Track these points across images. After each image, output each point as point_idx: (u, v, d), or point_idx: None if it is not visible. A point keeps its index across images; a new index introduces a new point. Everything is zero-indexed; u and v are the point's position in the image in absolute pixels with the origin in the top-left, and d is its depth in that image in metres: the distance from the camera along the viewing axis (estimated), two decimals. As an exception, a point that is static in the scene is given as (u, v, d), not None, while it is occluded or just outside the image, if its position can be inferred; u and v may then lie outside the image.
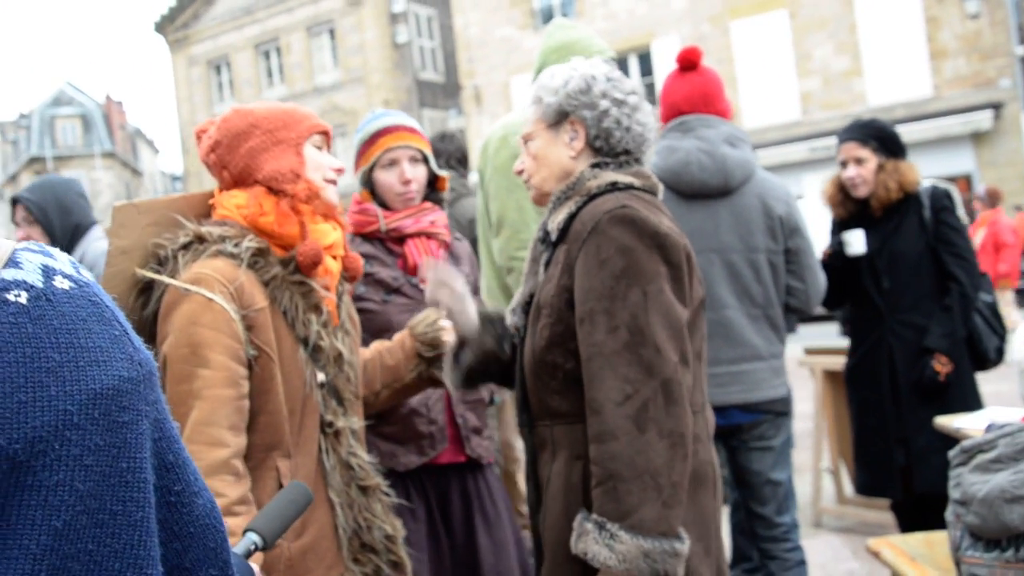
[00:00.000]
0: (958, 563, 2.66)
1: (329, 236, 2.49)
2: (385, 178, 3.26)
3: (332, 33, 32.15)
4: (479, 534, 3.21)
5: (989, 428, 2.78)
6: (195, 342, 2.20)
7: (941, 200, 4.50)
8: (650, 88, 22.45)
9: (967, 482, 2.69)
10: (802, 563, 3.90)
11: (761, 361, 3.78)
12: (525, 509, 3.40)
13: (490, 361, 2.77)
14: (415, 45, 31.60)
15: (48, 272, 0.89)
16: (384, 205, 3.29)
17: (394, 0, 30.83)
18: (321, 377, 2.44)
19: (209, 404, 2.17)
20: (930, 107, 21.85)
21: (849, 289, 4.69)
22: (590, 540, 2.22)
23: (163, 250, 2.35)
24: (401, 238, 3.26)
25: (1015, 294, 16.30)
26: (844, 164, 4.59)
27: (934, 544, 3.34)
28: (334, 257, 2.52)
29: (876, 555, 3.35)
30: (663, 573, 2.17)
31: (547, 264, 2.54)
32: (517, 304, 2.64)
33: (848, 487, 6.09)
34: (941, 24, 21.81)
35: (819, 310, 4.46)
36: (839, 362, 5.33)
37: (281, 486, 2.30)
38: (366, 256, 3.17)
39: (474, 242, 4.30)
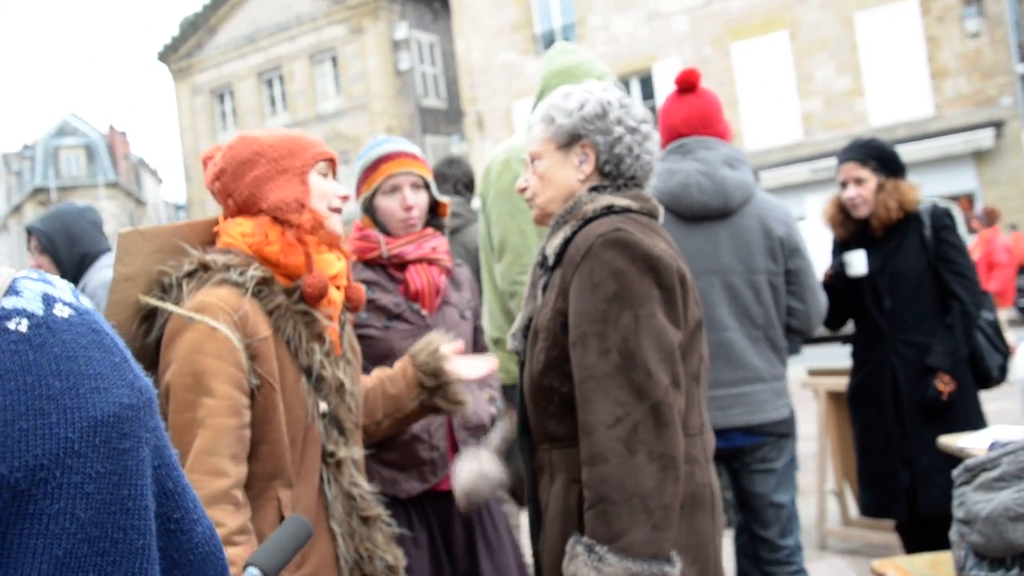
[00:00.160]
0: (963, 583, 2.65)
1: (334, 266, 2.49)
2: (387, 204, 3.27)
3: (334, 61, 32.25)
4: (482, 560, 3.20)
5: (992, 447, 2.78)
6: (198, 371, 2.19)
7: (942, 219, 4.50)
8: (652, 111, 22.46)
9: (971, 501, 2.68)
10: (806, 585, 3.88)
11: (762, 383, 3.77)
12: None
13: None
14: (417, 72, 31.69)
15: (48, 300, 0.89)
16: (385, 231, 3.30)
17: (396, 27, 30.95)
18: (323, 407, 2.42)
19: (211, 433, 2.16)
20: (931, 126, 21.87)
21: (851, 309, 4.69)
22: (579, 562, 2.22)
23: (167, 277, 2.33)
24: (403, 264, 3.26)
25: (1019, 312, 16.28)
26: (844, 184, 4.60)
27: (939, 565, 3.33)
28: (337, 287, 2.50)
29: (881, 576, 3.33)
30: None
31: (544, 288, 2.54)
32: (518, 328, 2.64)
33: (853, 508, 6.06)
34: (941, 43, 21.85)
35: (821, 331, 4.46)
36: (842, 383, 5.32)
37: (282, 516, 2.29)
38: (367, 282, 3.17)
39: (478, 271, 4.31)
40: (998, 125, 21.31)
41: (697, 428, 2.46)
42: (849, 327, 4.88)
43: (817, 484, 6.20)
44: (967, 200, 21.26)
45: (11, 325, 0.85)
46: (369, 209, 3.32)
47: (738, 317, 3.76)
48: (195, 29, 35.35)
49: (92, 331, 0.90)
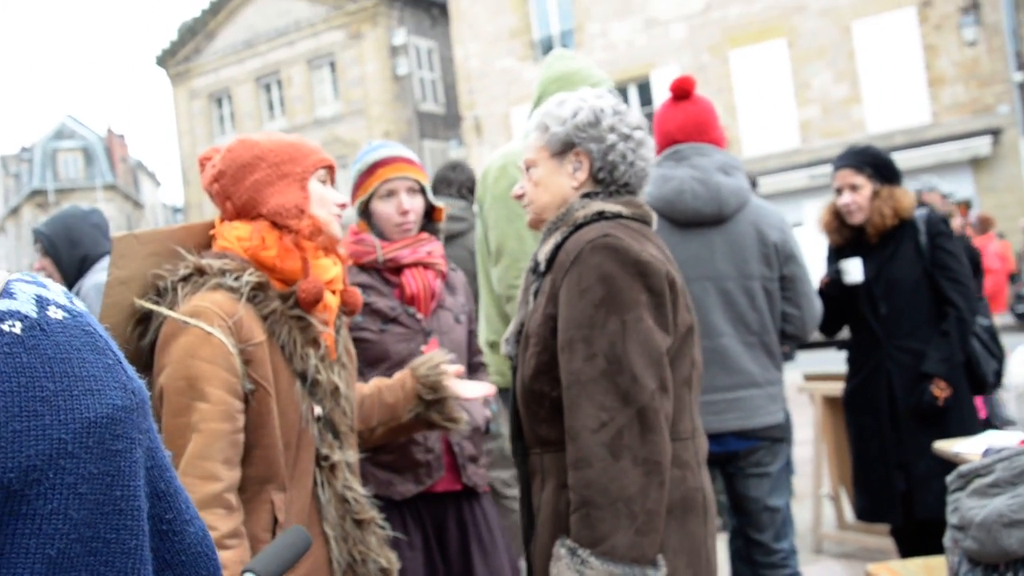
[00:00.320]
0: (956, 588, 2.65)
1: (330, 271, 2.49)
2: (383, 209, 3.27)
3: (333, 66, 32.26)
4: (476, 563, 3.20)
5: (986, 452, 2.78)
6: (192, 375, 2.19)
7: (937, 226, 4.51)
8: (650, 118, 22.46)
9: (965, 507, 2.68)
10: (801, 589, 3.89)
11: (757, 388, 3.77)
12: None
13: None
14: (415, 77, 31.70)
15: (42, 302, 0.89)
16: (381, 235, 3.30)
17: (394, 33, 30.96)
18: (318, 411, 2.43)
19: (204, 438, 2.16)
20: (929, 134, 21.90)
21: (847, 316, 4.70)
22: (562, 566, 2.24)
23: (163, 281, 2.33)
24: (398, 268, 3.27)
25: (1016, 318, 16.40)
26: (839, 191, 4.60)
27: (933, 569, 3.33)
28: (333, 292, 2.50)
29: (876, 581, 3.34)
30: None
31: (536, 294, 2.55)
32: (511, 334, 2.65)
33: (849, 513, 6.06)
34: (939, 52, 21.89)
35: (817, 336, 4.46)
36: (838, 388, 5.32)
37: (275, 519, 2.29)
38: (363, 286, 3.18)
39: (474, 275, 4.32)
40: (995, 133, 21.36)
41: (689, 432, 2.47)
42: (845, 333, 4.88)
43: (813, 488, 6.21)
44: (964, 207, 21.27)
45: (5, 327, 0.86)
46: (365, 213, 3.33)
47: (733, 323, 3.76)
48: (194, 34, 35.36)
49: (85, 333, 0.91)
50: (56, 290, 0.93)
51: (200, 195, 33.87)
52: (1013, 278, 16.56)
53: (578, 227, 2.48)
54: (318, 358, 2.42)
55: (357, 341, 3.03)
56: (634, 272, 2.35)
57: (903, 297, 4.48)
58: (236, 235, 2.39)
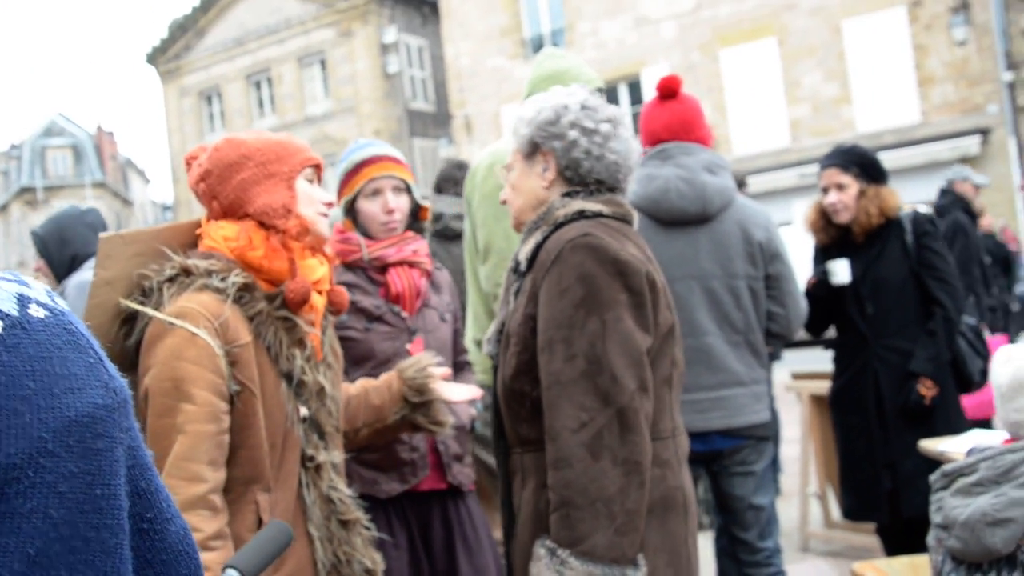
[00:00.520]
0: (940, 587, 2.66)
1: (317, 271, 2.48)
2: (368, 207, 3.28)
3: (323, 64, 32.19)
4: (460, 561, 3.21)
5: (971, 452, 2.79)
6: (178, 377, 2.18)
7: (923, 225, 4.52)
8: (640, 116, 22.47)
9: (948, 506, 2.69)
10: (786, 587, 3.90)
11: (742, 387, 3.78)
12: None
13: None
14: (406, 75, 31.64)
15: (23, 300, 0.89)
16: (366, 234, 3.31)
17: (385, 31, 30.90)
18: (304, 412, 2.42)
19: (190, 439, 2.15)
20: (918, 133, 21.94)
21: (833, 316, 4.71)
22: (542, 566, 2.24)
23: (148, 281, 2.32)
24: (383, 267, 3.27)
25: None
26: (826, 190, 4.61)
27: (918, 568, 3.34)
28: (319, 292, 2.50)
29: (861, 579, 3.34)
30: None
31: (517, 293, 2.55)
32: (492, 333, 2.66)
33: (835, 511, 6.08)
34: (929, 51, 21.92)
35: (803, 335, 4.47)
36: (826, 387, 5.34)
37: (260, 520, 2.28)
38: (348, 285, 3.17)
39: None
40: (984, 132, 21.41)
41: (669, 431, 2.47)
42: (831, 332, 4.90)
43: (800, 487, 6.23)
44: (953, 207, 21.31)
45: (-15, 325, 0.86)
46: (350, 212, 3.33)
47: (718, 322, 3.77)
48: (184, 31, 35.24)
49: (67, 332, 0.90)
50: (38, 288, 0.93)
51: (190, 193, 33.64)
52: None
53: (558, 226, 2.48)
54: (304, 359, 2.41)
55: (342, 340, 3.02)
56: (613, 271, 2.35)
57: (890, 296, 4.50)
58: (223, 235, 2.38)
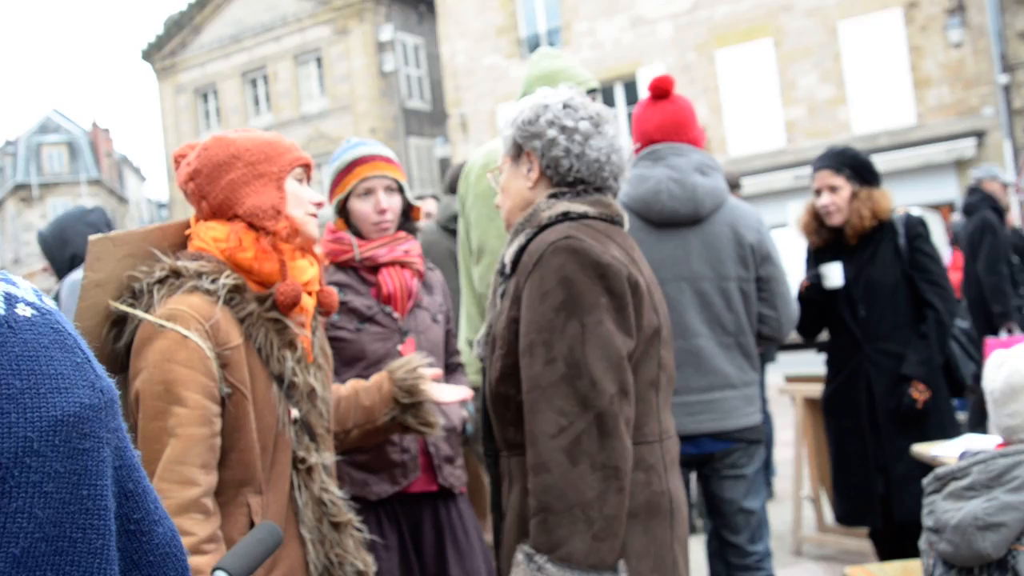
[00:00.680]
0: (931, 590, 2.66)
1: (307, 272, 2.47)
2: (360, 207, 3.27)
3: (319, 62, 32.17)
4: (451, 564, 3.20)
5: (963, 456, 2.79)
6: (169, 379, 2.17)
7: (915, 228, 4.52)
8: (635, 116, 22.46)
9: (940, 510, 2.69)
10: (776, 591, 3.89)
11: (733, 389, 3.77)
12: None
13: None
14: (402, 74, 31.64)
15: (10, 300, 0.89)
16: (358, 234, 3.30)
17: (381, 29, 30.89)
18: (295, 413, 2.41)
19: (182, 442, 2.14)
20: (914, 135, 21.96)
21: (826, 319, 4.70)
22: (520, 571, 2.23)
23: (138, 283, 2.31)
24: (375, 267, 3.27)
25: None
26: (818, 192, 4.61)
27: (911, 572, 3.35)
28: (310, 293, 2.49)
29: (853, 583, 3.35)
30: None
31: (503, 296, 2.55)
32: (481, 336, 2.66)
33: (828, 515, 6.09)
34: (924, 53, 21.94)
35: (796, 338, 4.46)
36: (819, 390, 5.34)
37: (252, 522, 2.28)
38: (340, 285, 3.17)
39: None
40: (980, 135, 21.43)
41: (655, 435, 2.46)
42: (824, 335, 4.89)
43: (793, 490, 6.23)
44: (948, 209, 21.34)
45: (-28, 325, 0.85)
46: (342, 212, 3.32)
47: (708, 324, 3.76)
48: (180, 28, 35.21)
49: (54, 331, 0.90)
50: (25, 287, 0.93)
51: (185, 190, 33.65)
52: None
53: (543, 228, 2.48)
54: (295, 360, 2.40)
55: (333, 340, 3.02)
56: (594, 275, 2.34)
57: (882, 299, 4.49)
58: (212, 236, 2.37)
